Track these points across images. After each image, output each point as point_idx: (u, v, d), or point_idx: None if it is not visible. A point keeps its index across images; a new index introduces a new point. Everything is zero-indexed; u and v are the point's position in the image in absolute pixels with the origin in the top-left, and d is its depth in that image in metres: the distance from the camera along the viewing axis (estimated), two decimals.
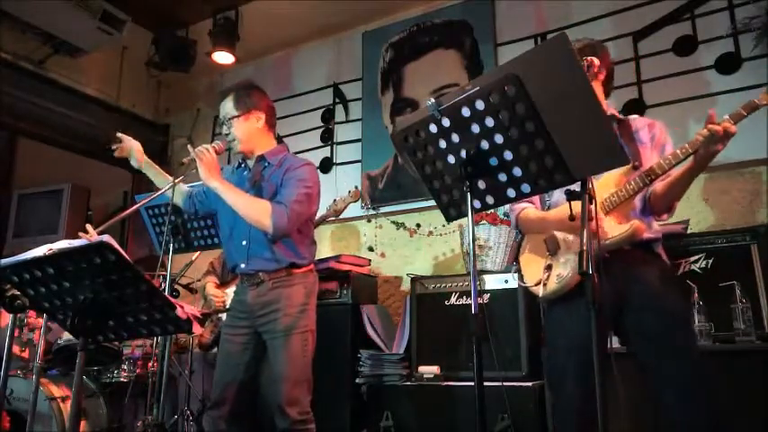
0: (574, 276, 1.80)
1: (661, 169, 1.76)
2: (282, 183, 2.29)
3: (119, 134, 2.54)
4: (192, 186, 2.67)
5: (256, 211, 2.19)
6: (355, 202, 3.59)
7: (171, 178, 2.48)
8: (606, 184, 1.84)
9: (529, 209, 2.02)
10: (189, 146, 2.25)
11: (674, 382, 1.68)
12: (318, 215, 3.41)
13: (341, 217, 3.64)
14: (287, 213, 2.18)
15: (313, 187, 2.31)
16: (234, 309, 2.36)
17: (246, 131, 2.34)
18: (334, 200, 3.52)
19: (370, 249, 4.09)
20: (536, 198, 2.01)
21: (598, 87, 1.94)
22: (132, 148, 2.51)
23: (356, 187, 3.79)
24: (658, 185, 1.85)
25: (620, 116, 1.99)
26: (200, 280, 4.08)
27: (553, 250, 1.90)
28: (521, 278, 2.02)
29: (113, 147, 2.55)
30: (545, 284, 1.90)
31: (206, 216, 2.68)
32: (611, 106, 2.04)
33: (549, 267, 1.90)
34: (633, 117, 2.01)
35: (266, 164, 2.38)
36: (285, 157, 2.42)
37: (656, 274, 1.81)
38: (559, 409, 1.90)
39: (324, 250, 4.09)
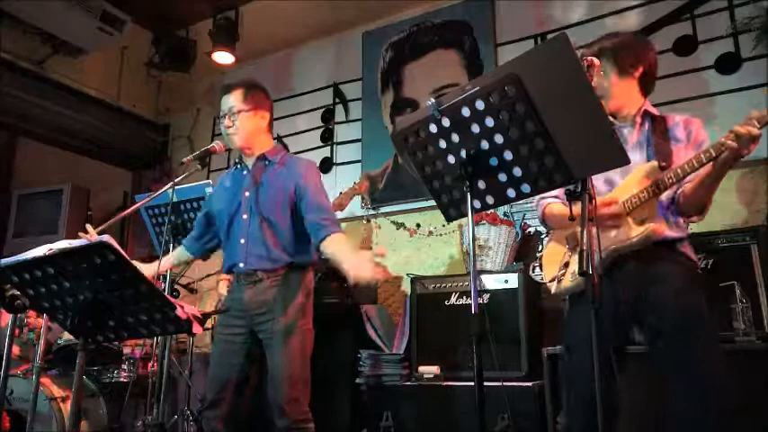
0: None
1: (684, 172, 1.72)
2: (303, 193, 2.28)
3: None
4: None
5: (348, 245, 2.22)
6: (360, 194, 3.52)
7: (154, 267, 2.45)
8: (629, 183, 1.82)
9: (554, 204, 1.99)
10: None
11: (685, 382, 1.66)
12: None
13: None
14: (339, 227, 2.25)
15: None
16: (229, 308, 2.35)
17: (252, 127, 2.35)
18: (341, 192, 3.45)
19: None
20: (561, 192, 1.99)
21: (632, 84, 1.90)
22: None
23: (355, 182, 3.61)
24: (687, 186, 1.80)
25: (657, 113, 1.93)
26: (201, 280, 4.08)
27: (573, 247, 1.87)
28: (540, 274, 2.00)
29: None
30: (559, 281, 1.89)
31: None
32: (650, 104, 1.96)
33: (566, 264, 1.88)
34: (670, 114, 1.96)
35: (267, 161, 2.38)
36: (286, 155, 2.42)
37: (677, 273, 1.78)
38: (573, 405, 1.88)
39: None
